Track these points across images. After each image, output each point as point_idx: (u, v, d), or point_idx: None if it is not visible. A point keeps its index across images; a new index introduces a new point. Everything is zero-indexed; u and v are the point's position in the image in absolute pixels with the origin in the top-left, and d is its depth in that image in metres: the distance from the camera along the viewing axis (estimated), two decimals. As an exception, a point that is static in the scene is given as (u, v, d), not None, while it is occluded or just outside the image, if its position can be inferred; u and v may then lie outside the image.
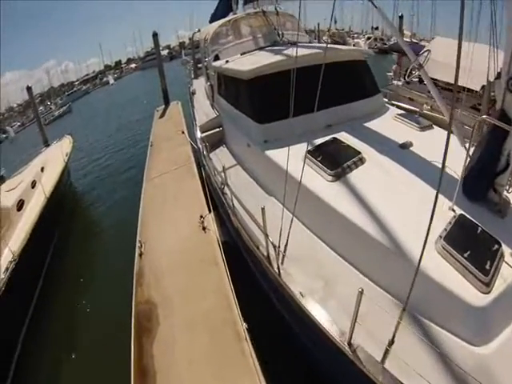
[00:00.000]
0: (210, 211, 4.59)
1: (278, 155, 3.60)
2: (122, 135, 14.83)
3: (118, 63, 77.12)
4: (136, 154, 10.96)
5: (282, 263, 2.67)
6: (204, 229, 4.25)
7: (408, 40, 26.36)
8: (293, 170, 2.97)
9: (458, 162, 2.55)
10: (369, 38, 27.82)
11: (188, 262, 3.88)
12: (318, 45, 5.77)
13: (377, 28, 34.10)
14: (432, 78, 8.31)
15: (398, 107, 4.72)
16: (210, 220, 4.39)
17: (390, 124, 3.99)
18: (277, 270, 2.68)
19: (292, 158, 2.98)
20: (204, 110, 6.75)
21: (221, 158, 4.96)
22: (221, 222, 4.56)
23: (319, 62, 3.75)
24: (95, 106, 32.13)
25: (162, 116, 10.31)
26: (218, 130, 5.61)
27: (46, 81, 61.55)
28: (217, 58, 6.46)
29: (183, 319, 3.22)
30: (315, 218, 3.05)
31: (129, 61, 76.06)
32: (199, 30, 9.65)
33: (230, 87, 5.26)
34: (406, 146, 3.28)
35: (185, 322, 3.19)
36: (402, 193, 2.72)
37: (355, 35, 35.22)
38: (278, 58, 4.30)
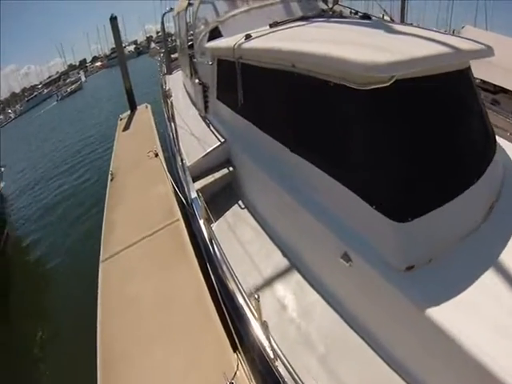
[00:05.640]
0: (235, 350, 2.00)
1: (468, 333, 1.24)
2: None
3: (83, 62, 72.11)
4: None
5: None
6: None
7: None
8: None
9: None
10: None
11: None
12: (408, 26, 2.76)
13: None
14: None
15: None
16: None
17: None
18: None
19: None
20: (190, 128, 3.98)
21: (242, 238, 2.45)
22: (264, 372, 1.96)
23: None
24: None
25: (126, 127, 7.35)
26: (224, 171, 3.04)
27: (7, 87, 56.39)
28: (215, 33, 3.68)
29: None
30: None
31: (94, 59, 71.14)
32: (172, 9, 6.79)
33: (266, 93, 2.60)
34: None
35: None
36: None
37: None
38: (428, 45, 1.66)
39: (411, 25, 3.07)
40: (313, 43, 1.98)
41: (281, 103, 2.44)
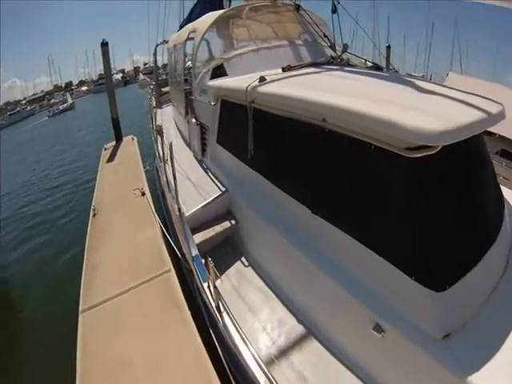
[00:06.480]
0: None
1: None
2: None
3: (69, 84, 71.82)
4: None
5: None
6: None
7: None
8: None
9: None
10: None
11: None
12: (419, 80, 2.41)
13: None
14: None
15: None
16: None
17: None
18: None
19: None
20: (185, 171, 3.73)
21: (248, 301, 2.30)
22: None
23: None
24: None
25: (111, 158, 7.10)
26: (225, 225, 2.89)
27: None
28: (219, 71, 3.53)
29: None
30: None
31: (81, 83, 71.10)
32: (165, 41, 6.80)
33: (284, 145, 2.41)
34: None
35: None
36: None
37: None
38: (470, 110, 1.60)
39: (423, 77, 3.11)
40: (346, 97, 1.83)
41: (304, 159, 2.20)
